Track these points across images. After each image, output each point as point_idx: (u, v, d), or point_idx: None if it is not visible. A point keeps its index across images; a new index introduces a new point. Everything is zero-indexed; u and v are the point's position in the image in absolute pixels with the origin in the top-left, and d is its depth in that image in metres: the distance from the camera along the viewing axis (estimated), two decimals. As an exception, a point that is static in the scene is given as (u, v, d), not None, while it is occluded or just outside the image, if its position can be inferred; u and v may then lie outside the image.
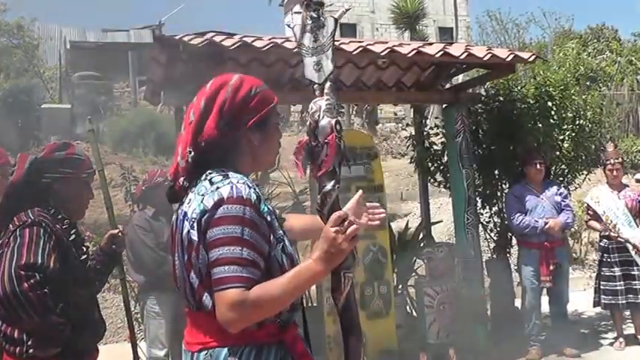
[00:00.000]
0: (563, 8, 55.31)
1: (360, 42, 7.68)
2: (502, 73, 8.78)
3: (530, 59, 8.29)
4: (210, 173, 2.72)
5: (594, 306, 8.91)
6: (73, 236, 3.90)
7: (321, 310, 7.56)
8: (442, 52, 7.86)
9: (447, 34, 38.33)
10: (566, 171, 9.38)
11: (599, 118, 9.76)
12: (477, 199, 8.98)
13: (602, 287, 8.61)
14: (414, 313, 8.82)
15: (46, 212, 3.78)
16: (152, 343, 7.07)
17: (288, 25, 3.23)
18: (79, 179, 4.01)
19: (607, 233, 8.52)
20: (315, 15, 2.97)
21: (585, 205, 9.11)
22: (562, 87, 9.05)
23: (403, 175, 17.61)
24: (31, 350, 3.58)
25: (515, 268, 8.96)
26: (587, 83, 13.19)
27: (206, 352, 2.67)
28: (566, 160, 9.17)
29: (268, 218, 2.71)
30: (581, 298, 10.21)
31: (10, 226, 3.69)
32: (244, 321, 2.57)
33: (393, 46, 7.72)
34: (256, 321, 2.63)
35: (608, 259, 8.53)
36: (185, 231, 2.69)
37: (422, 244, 9.21)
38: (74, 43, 27.08)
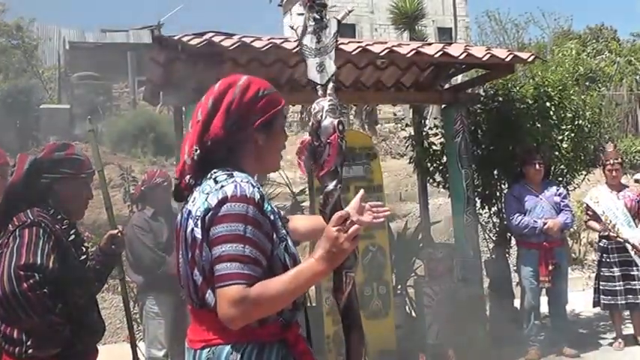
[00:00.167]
0: (562, 8, 55.26)
1: (359, 42, 7.67)
2: (501, 74, 8.78)
3: (530, 59, 8.29)
4: (214, 172, 2.74)
5: (594, 306, 8.91)
6: (73, 236, 3.90)
7: (320, 310, 7.57)
8: (441, 53, 7.85)
9: (446, 35, 38.34)
10: (565, 171, 9.38)
11: (598, 119, 9.75)
12: (476, 199, 8.98)
13: (601, 287, 8.62)
14: (413, 314, 8.82)
15: (46, 212, 3.78)
16: (151, 343, 7.07)
17: (292, 27, 3.26)
18: (79, 179, 4.00)
19: (606, 233, 8.52)
20: (317, 16, 3.00)
21: (584, 205, 9.12)
22: (561, 87, 9.06)
23: (402, 175, 17.59)
24: (30, 350, 3.58)
25: (515, 268, 8.96)
26: (587, 83, 13.18)
27: (209, 349, 2.69)
28: (565, 161, 9.17)
29: (271, 217, 2.73)
30: (580, 299, 10.22)
31: (10, 226, 3.69)
32: (245, 318, 2.58)
33: (392, 46, 7.71)
34: (257, 318, 2.64)
35: (608, 260, 8.54)
36: (189, 229, 2.71)
37: (421, 245, 9.22)
38: (73, 43, 27.06)
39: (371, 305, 7.91)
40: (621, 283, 8.41)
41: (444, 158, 9.21)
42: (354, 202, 3.24)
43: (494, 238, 9.54)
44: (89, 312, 3.97)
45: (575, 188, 9.77)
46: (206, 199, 2.67)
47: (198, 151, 2.78)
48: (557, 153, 9.02)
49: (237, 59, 7.64)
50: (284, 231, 2.82)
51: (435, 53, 7.84)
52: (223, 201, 2.62)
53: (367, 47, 7.46)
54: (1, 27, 25.21)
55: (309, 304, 8.27)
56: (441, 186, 9.78)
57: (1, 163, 4.64)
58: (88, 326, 3.88)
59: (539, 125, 8.85)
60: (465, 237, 8.57)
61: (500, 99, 9.10)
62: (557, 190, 8.53)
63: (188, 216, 2.74)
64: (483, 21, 34.90)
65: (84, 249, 4.06)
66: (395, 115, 23.59)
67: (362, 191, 3.16)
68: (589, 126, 9.21)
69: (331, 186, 2.82)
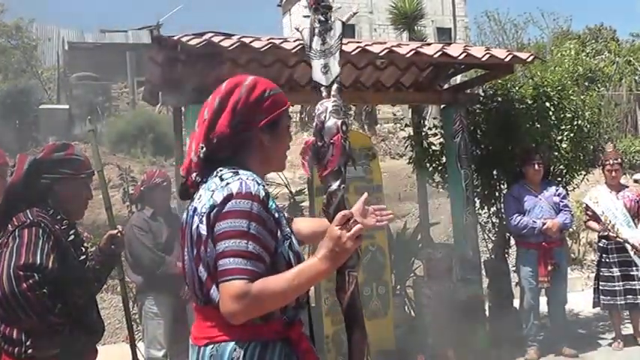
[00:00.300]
0: (561, 8, 55.34)
1: (358, 42, 7.67)
2: (500, 74, 8.78)
3: (529, 60, 8.29)
4: (220, 170, 2.78)
5: (594, 306, 8.91)
6: (72, 237, 3.90)
7: (320, 311, 7.56)
8: (440, 53, 7.86)
9: (445, 35, 38.38)
10: (565, 171, 9.38)
11: (598, 119, 9.75)
12: (476, 199, 8.98)
13: (601, 288, 8.62)
14: (412, 314, 8.82)
15: (45, 213, 3.78)
16: (150, 343, 7.06)
17: (297, 29, 3.28)
18: (78, 180, 4.01)
19: (606, 233, 8.52)
20: (323, 18, 3.03)
21: (584, 205, 9.11)
22: (560, 87, 9.05)
23: (401, 175, 17.56)
24: (29, 350, 3.59)
25: (514, 268, 8.96)
26: (586, 84, 13.18)
27: (212, 346, 2.72)
28: (565, 161, 9.16)
29: (276, 215, 2.77)
30: (579, 299, 10.22)
31: (9, 226, 3.69)
32: (246, 313, 2.60)
33: (392, 46, 7.72)
34: (258, 314, 2.66)
35: (607, 260, 8.54)
36: (194, 225, 2.74)
37: (420, 245, 9.22)
38: (72, 43, 27.07)
39: (370, 305, 7.91)
40: (621, 283, 8.41)
41: (444, 158, 9.21)
42: (357, 204, 3.25)
43: (493, 238, 9.53)
44: (88, 312, 3.97)
45: (574, 188, 9.77)
46: (212, 196, 2.70)
47: (205, 149, 2.82)
48: (556, 153, 9.01)
49: (236, 59, 7.64)
50: (288, 229, 2.85)
51: (435, 53, 7.84)
52: (228, 198, 2.65)
53: (366, 47, 7.46)
54: (1, 27, 25.23)
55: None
56: (440, 186, 9.79)
57: (0, 163, 4.64)
58: (87, 326, 3.88)
59: (538, 125, 8.84)
60: (464, 237, 8.58)
61: (500, 99, 9.10)
62: (557, 190, 8.53)
63: (194, 213, 2.77)
64: (482, 21, 34.87)
65: (83, 249, 4.06)
66: (394, 115, 23.61)
67: (365, 194, 3.17)
68: (588, 126, 9.20)
69: (335, 186, 2.87)
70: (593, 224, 8.83)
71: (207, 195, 2.72)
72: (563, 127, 8.97)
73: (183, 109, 7.91)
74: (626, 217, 8.48)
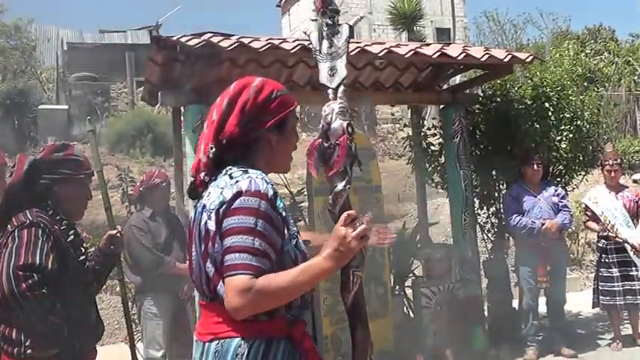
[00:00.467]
0: (560, 9, 55.36)
1: (357, 43, 7.67)
2: (499, 74, 8.78)
3: (528, 60, 8.29)
4: (230, 169, 2.82)
5: (593, 307, 8.91)
6: (72, 237, 3.90)
7: (319, 311, 7.55)
8: (440, 53, 7.85)
9: (444, 35, 38.33)
10: (564, 172, 9.38)
11: (597, 119, 9.75)
12: (475, 199, 8.99)
13: (600, 288, 8.62)
14: (411, 314, 8.81)
15: (45, 213, 3.78)
16: (149, 344, 7.06)
17: (305, 33, 3.33)
18: (78, 180, 4.01)
19: (605, 234, 8.52)
20: (330, 22, 3.08)
21: (583, 205, 9.11)
22: (559, 88, 9.05)
23: (400, 175, 17.55)
24: (29, 351, 3.59)
25: (513, 268, 8.96)
26: (585, 84, 13.17)
27: (217, 342, 2.75)
28: (564, 161, 9.17)
29: (283, 214, 2.80)
30: (578, 299, 10.23)
31: (9, 226, 3.69)
32: (250, 308, 2.63)
33: (391, 46, 7.72)
34: (262, 310, 2.69)
35: (607, 260, 8.54)
36: (203, 222, 2.78)
37: (419, 245, 9.21)
38: (71, 44, 27.07)
39: (369, 305, 7.89)
40: (620, 283, 8.41)
41: (443, 159, 9.22)
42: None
43: (492, 239, 9.54)
44: (88, 312, 3.97)
45: (573, 189, 9.77)
46: (221, 193, 2.74)
47: (214, 149, 2.86)
48: (555, 153, 9.02)
49: (235, 60, 7.64)
50: (295, 228, 2.89)
51: (434, 54, 7.84)
52: (237, 195, 2.69)
53: (366, 48, 7.46)
54: (0, 28, 25.20)
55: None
56: (439, 186, 9.79)
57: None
58: (86, 327, 3.88)
59: (537, 126, 8.85)
60: (463, 237, 8.58)
61: (499, 99, 9.11)
62: (556, 190, 8.53)
63: (203, 209, 2.81)
64: (482, 21, 34.91)
65: (83, 249, 4.06)
66: (393, 115, 23.61)
67: (369, 213, 3.21)
68: (587, 126, 9.21)
69: (340, 186, 2.88)
70: (592, 224, 8.83)
71: (217, 192, 2.76)
72: (563, 127, 8.97)
73: (182, 109, 7.90)
74: (626, 218, 8.49)
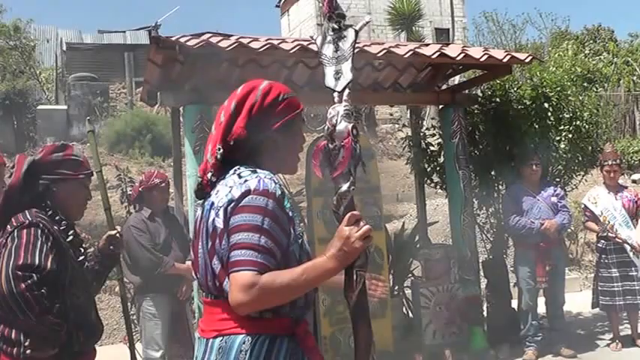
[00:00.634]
0: (559, 9, 55.44)
1: (356, 43, 7.66)
2: (499, 74, 8.77)
3: (527, 60, 8.28)
4: (238, 168, 2.88)
5: (593, 307, 8.91)
6: (71, 237, 3.90)
7: (318, 312, 7.56)
8: (438, 53, 7.85)
9: (443, 35, 38.34)
10: (563, 172, 9.39)
11: (596, 119, 9.75)
12: (474, 199, 8.99)
13: (599, 288, 8.62)
14: (410, 315, 8.82)
15: (44, 213, 3.78)
16: (148, 344, 7.05)
17: (311, 37, 3.38)
18: (77, 180, 4.00)
19: (605, 234, 8.52)
20: (336, 26, 3.12)
21: (582, 206, 9.11)
22: (559, 88, 9.05)
23: (399, 176, 17.57)
24: (28, 351, 3.58)
25: (512, 269, 8.96)
26: (584, 84, 13.18)
27: (221, 338, 2.78)
28: (563, 161, 9.17)
29: (290, 214, 2.86)
30: (577, 299, 10.24)
31: (8, 227, 3.69)
32: (253, 304, 2.66)
33: (390, 47, 7.72)
34: (265, 306, 2.73)
35: (606, 260, 8.54)
36: (211, 219, 2.83)
37: (418, 245, 9.22)
38: (70, 44, 27.03)
39: (368, 306, 7.90)
40: (620, 283, 8.42)
41: (442, 159, 9.21)
42: None
43: (491, 239, 9.55)
44: (87, 313, 3.96)
45: (572, 189, 9.78)
46: (230, 191, 2.79)
47: (222, 150, 2.92)
48: (554, 154, 9.01)
49: (234, 60, 7.64)
50: (300, 229, 2.94)
51: (433, 54, 7.84)
52: (246, 193, 2.75)
53: (364, 48, 7.46)
54: (-1, 28, 25.21)
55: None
56: (438, 187, 9.79)
57: (-2, 163, 4.64)
58: (86, 327, 3.88)
59: (536, 126, 8.84)
60: (462, 238, 8.58)
61: (498, 100, 9.10)
62: (555, 190, 8.53)
63: (210, 207, 2.86)
64: (481, 22, 34.98)
65: (82, 250, 4.06)
66: (392, 115, 23.60)
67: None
68: (586, 127, 9.20)
69: (345, 187, 2.90)
70: (591, 225, 8.83)
71: (226, 190, 2.81)
72: (562, 127, 8.97)
73: (181, 109, 7.90)
74: (625, 218, 8.49)
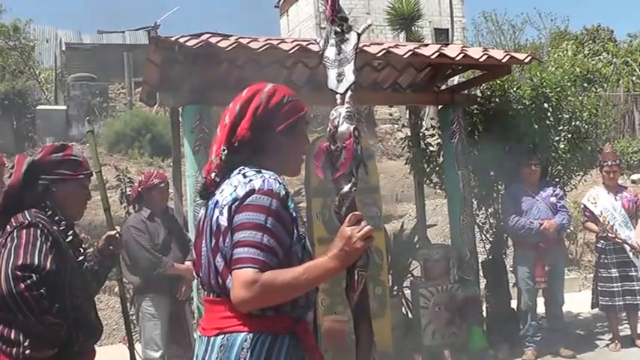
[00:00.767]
0: (558, 9, 55.48)
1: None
2: (498, 75, 8.78)
3: (526, 60, 8.29)
4: (243, 168, 2.92)
5: (592, 307, 8.92)
6: (71, 237, 3.90)
7: (317, 312, 7.54)
8: (438, 54, 7.85)
9: (442, 36, 38.32)
10: (562, 172, 9.39)
11: (595, 120, 9.75)
12: (473, 200, 8.99)
13: (599, 289, 8.62)
14: (410, 315, 8.82)
15: (43, 214, 3.78)
16: (147, 344, 7.06)
17: (315, 40, 3.43)
18: (77, 181, 4.00)
19: (605, 234, 8.52)
20: (339, 30, 3.18)
21: (582, 206, 9.11)
22: (558, 88, 9.05)
23: (398, 176, 17.58)
24: (27, 351, 3.58)
25: (511, 269, 8.96)
26: (584, 84, 13.17)
27: (223, 336, 2.81)
28: (562, 161, 9.17)
29: (293, 214, 2.89)
30: (576, 299, 10.23)
31: (8, 227, 3.69)
32: (254, 301, 2.70)
33: (389, 47, 7.71)
34: (266, 304, 2.77)
35: (605, 261, 8.55)
36: (215, 217, 2.87)
37: (417, 246, 9.22)
38: (70, 44, 27.04)
39: (368, 306, 7.90)
40: (619, 284, 8.42)
41: (441, 159, 9.22)
42: None
43: (490, 239, 9.55)
44: (87, 313, 3.96)
45: (571, 189, 9.78)
46: (234, 190, 2.84)
47: (226, 151, 2.97)
48: (554, 154, 9.02)
49: (233, 60, 7.64)
50: (303, 230, 2.96)
51: (432, 54, 7.84)
52: (250, 192, 2.79)
53: (364, 48, 7.45)
54: (-1, 28, 25.21)
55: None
56: (437, 187, 9.79)
57: (-3, 164, 4.64)
58: (85, 327, 3.87)
59: (536, 126, 8.85)
60: (461, 238, 8.58)
61: (497, 100, 9.10)
62: (554, 191, 8.53)
63: (215, 206, 2.90)
64: (480, 22, 35.03)
65: (81, 250, 4.05)
66: (391, 115, 23.59)
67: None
68: (586, 127, 9.21)
69: (346, 188, 2.95)
70: (591, 225, 8.83)
71: (230, 189, 2.85)
72: (561, 127, 8.98)
73: (180, 109, 7.89)
74: (625, 218, 8.50)
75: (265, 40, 7.22)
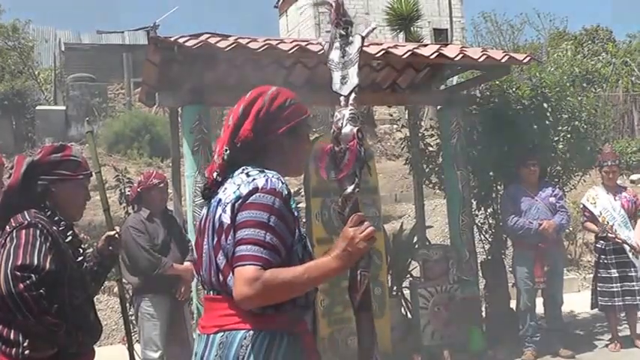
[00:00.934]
0: (557, 9, 55.49)
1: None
2: (497, 75, 8.78)
3: (525, 61, 8.29)
4: (246, 168, 2.95)
5: (592, 308, 8.92)
6: (70, 238, 3.89)
7: (315, 312, 7.54)
8: (437, 54, 7.85)
9: (441, 36, 38.33)
10: (561, 172, 9.39)
11: (594, 120, 9.76)
12: (472, 200, 8.99)
13: (598, 289, 8.62)
14: (409, 315, 8.82)
15: (43, 214, 3.77)
16: (146, 345, 7.05)
17: (320, 44, 3.50)
18: (76, 181, 4.00)
19: (605, 234, 8.52)
20: (343, 32, 3.24)
21: (582, 206, 9.10)
22: (557, 89, 9.06)
23: (398, 176, 17.59)
24: (27, 352, 3.58)
25: (510, 269, 8.96)
26: (583, 85, 13.18)
27: (222, 333, 2.83)
28: (561, 162, 9.17)
29: (295, 214, 2.92)
30: (576, 300, 10.23)
31: (7, 227, 3.68)
32: (256, 298, 2.71)
33: (388, 47, 7.71)
34: (267, 302, 2.78)
35: (605, 261, 8.54)
36: (217, 215, 2.90)
37: (416, 246, 9.22)
38: (69, 44, 27.06)
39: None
40: (619, 284, 8.42)
41: (440, 159, 9.22)
42: None
43: (490, 240, 9.55)
44: (86, 313, 3.96)
45: (571, 189, 9.78)
46: (238, 189, 2.87)
47: (228, 152, 3.01)
48: (553, 154, 9.02)
49: (232, 60, 7.64)
50: (304, 230, 3.03)
51: (431, 54, 7.84)
52: (253, 191, 2.82)
53: (363, 48, 7.44)
54: (-2, 28, 25.22)
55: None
56: (436, 187, 9.79)
57: (-4, 164, 4.64)
58: (84, 327, 3.87)
59: (535, 126, 8.85)
60: (460, 238, 8.59)
61: (496, 100, 9.10)
62: (553, 191, 8.53)
63: (217, 204, 2.93)
64: (479, 22, 35.01)
65: (81, 250, 4.05)
66: (391, 116, 23.59)
67: None
68: (585, 127, 9.22)
69: (350, 189, 2.99)
70: (591, 225, 8.83)
71: (233, 188, 2.88)
72: (560, 128, 8.98)
73: (179, 110, 7.89)
74: (624, 219, 8.50)
75: (264, 41, 7.22)
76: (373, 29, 3.42)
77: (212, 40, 6.97)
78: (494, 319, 8.88)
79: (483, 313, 8.93)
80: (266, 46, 7.12)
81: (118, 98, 23.94)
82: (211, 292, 2.93)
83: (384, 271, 8.32)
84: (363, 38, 3.24)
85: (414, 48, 7.97)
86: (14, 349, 3.59)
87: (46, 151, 3.98)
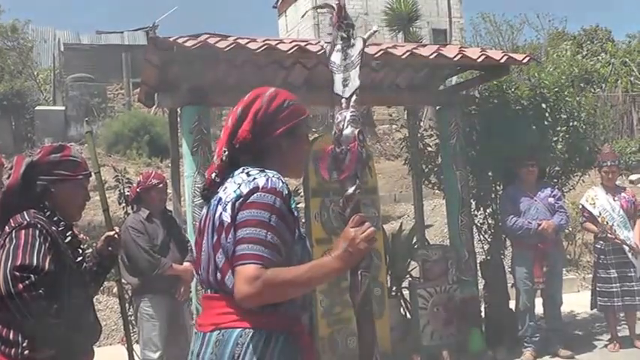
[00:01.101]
0: (557, 9, 55.51)
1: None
2: (496, 75, 8.78)
3: (524, 61, 8.29)
4: (246, 167, 2.95)
5: (591, 308, 8.92)
6: (69, 238, 3.89)
7: (315, 312, 7.55)
8: (436, 54, 7.86)
9: (440, 36, 38.27)
10: (560, 172, 9.39)
11: (593, 120, 9.76)
12: (471, 200, 8.99)
13: (598, 289, 8.62)
14: (408, 315, 8.82)
15: (42, 214, 3.77)
16: (146, 345, 7.05)
17: (322, 46, 3.48)
18: (75, 181, 4.00)
19: (604, 235, 8.52)
20: (345, 35, 3.25)
21: (581, 206, 9.11)
22: (556, 89, 9.06)
23: (397, 177, 17.60)
24: (26, 352, 3.58)
25: (510, 269, 8.96)
26: (582, 85, 13.20)
27: (219, 331, 2.83)
28: (560, 162, 9.18)
29: (295, 214, 2.93)
30: (575, 300, 10.24)
31: (6, 228, 3.68)
32: (256, 297, 2.71)
33: (387, 47, 7.72)
34: (268, 301, 2.78)
35: (604, 261, 8.54)
36: (218, 214, 2.90)
37: (416, 246, 9.22)
38: (68, 45, 27.06)
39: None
40: (618, 284, 8.42)
41: (439, 160, 9.22)
42: None
43: (489, 240, 9.54)
44: (85, 313, 3.96)
45: (570, 190, 9.78)
46: (238, 188, 2.86)
47: (227, 152, 3.02)
48: (552, 154, 9.02)
49: (232, 61, 7.64)
50: (304, 230, 3.04)
51: (430, 55, 7.84)
52: (254, 190, 2.82)
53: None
54: (-3, 28, 25.22)
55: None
56: (435, 187, 9.79)
57: (-4, 164, 4.64)
58: (84, 328, 3.87)
59: (534, 127, 8.85)
60: (460, 238, 8.59)
61: (495, 100, 9.10)
62: (552, 191, 8.54)
63: (218, 202, 2.93)
64: (478, 22, 34.98)
65: (80, 251, 4.05)
66: (390, 116, 23.61)
67: None
68: (584, 127, 9.22)
69: (351, 190, 3.00)
70: (590, 226, 8.83)
71: (234, 187, 2.88)
72: (559, 128, 8.98)
73: (179, 110, 7.89)
74: (623, 219, 8.50)
75: (263, 41, 7.22)
76: (375, 32, 3.45)
77: (211, 41, 6.97)
78: (494, 319, 8.88)
79: (482, 314, 8.93)
80: (265, 47, 7.12)
81: (118, 98, 23.94)
82: (209, 291, 2.94)
83: (383, 272, 8.32)
84: (364, 41, 3.24)
85: (413, 48, 7.98)
86: (13, 350, 3.59)
87: (46, 151, 3.98)
